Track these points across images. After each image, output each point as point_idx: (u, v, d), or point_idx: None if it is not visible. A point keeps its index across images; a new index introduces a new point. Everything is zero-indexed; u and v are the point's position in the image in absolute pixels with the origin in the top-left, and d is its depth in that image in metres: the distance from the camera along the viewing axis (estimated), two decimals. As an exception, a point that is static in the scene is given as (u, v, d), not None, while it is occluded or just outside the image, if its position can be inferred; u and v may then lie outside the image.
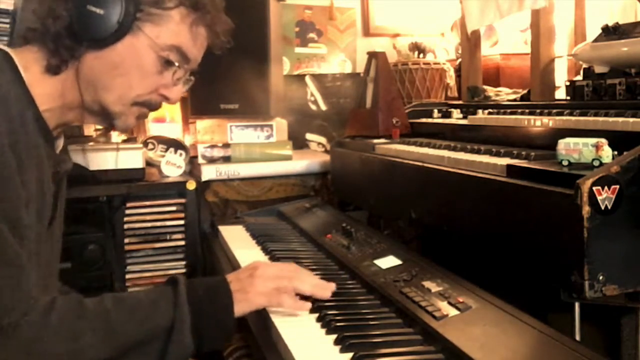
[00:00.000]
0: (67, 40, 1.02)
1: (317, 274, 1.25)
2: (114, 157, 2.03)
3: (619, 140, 1.08)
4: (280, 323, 1.08)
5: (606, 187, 0.94)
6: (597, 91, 1.54)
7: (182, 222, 2.07)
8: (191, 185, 2.09)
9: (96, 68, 1.04)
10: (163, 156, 2.23)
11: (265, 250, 1.60)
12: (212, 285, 1.08)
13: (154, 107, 1.11)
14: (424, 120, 2.11)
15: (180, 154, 2.24)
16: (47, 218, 1.06)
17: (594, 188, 0.93)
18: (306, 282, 1.15)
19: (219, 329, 1.04)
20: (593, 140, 1.06)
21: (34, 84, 1.02)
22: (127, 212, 2.03)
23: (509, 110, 1.73)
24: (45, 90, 1.04)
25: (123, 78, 1.04)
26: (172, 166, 2.21)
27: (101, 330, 0.95)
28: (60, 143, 1.13)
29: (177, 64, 1.07)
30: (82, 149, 2.00)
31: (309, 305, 1.13)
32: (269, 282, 1.11)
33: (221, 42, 1.14)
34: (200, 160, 2.27)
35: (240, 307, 1.07)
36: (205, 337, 1.02)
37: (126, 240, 2.02)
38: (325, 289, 1.16)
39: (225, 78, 2.40)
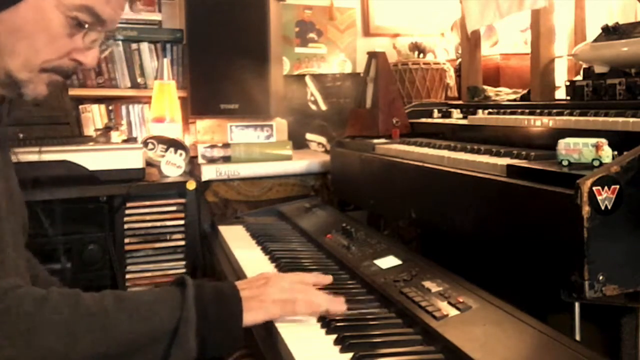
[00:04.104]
0: None
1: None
2: (114, 157, 2.03)
3: (619, 140, 1.08)
4: (281, 323, 1.08)
5: (606, 187, 0.94)
6: (597, 91, 1.54)
7: (182, 222, 2.07)
8: (191, 185, 2.09)
9: None
10: (163, 156, 2.23)
11: (265, 250, 1.59)
12: (221, 291, 1.03)
13: (66, 73, 1.01)
14: (424, 120, 2.11)
15: (180, 154, 2.24)
16: None
17: (594, 188, 0.93)
18: (320, 296, 1.11)
19: (224, 336, 1.00)
20: (593, 140, 1.06)
21: None
22: (127, 212, 2.03)
23: (509, 110, 1.73)
24: None
25: (27, 42, 0.94)
26: (172, 166, 2.21)
27: (97, 329, 0.91)
28: None
29: (87, 25, 0.97)
30: (82, 149, 2.01)
31: (324, 308, 1.09)
32: (284, 292, 1.08)
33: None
34: (200, 160, 2.28)
35: (252, 316, 1.03)
36: (209, 343, 0.98)
37: (126, 240, 2.02)
38: (339, 303, 1.12)
39: (225, 78, 2.40)
